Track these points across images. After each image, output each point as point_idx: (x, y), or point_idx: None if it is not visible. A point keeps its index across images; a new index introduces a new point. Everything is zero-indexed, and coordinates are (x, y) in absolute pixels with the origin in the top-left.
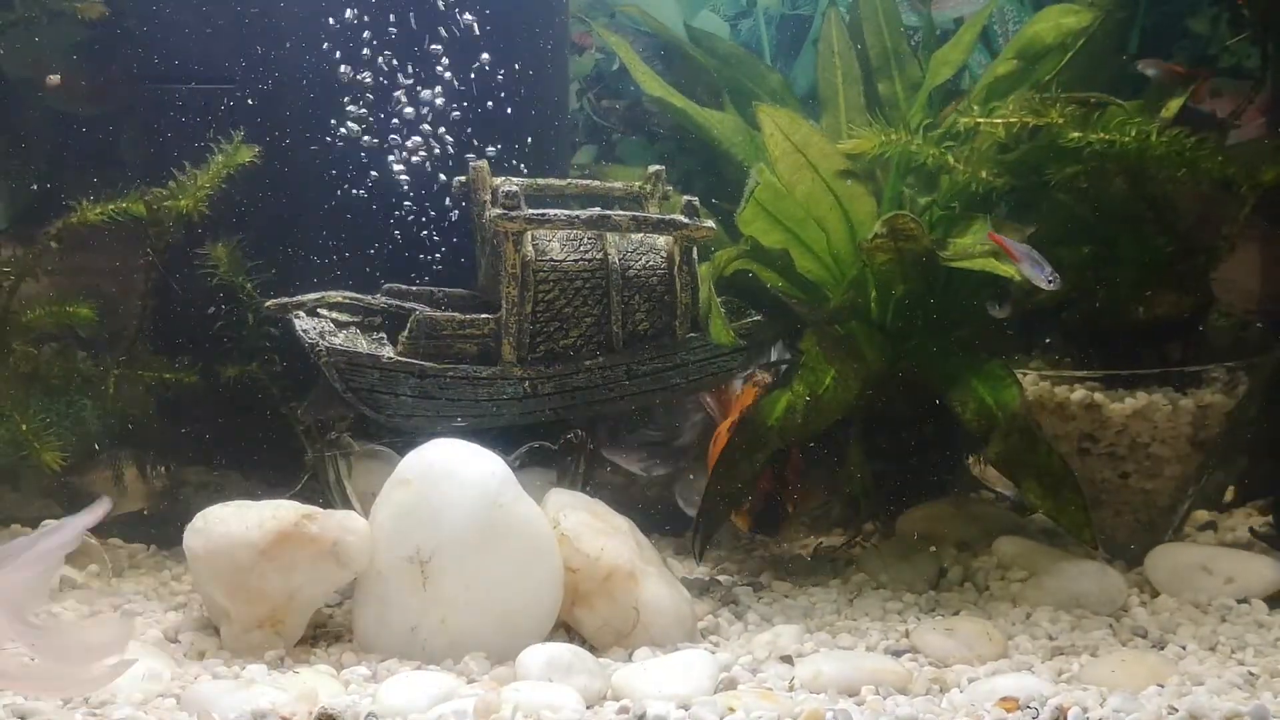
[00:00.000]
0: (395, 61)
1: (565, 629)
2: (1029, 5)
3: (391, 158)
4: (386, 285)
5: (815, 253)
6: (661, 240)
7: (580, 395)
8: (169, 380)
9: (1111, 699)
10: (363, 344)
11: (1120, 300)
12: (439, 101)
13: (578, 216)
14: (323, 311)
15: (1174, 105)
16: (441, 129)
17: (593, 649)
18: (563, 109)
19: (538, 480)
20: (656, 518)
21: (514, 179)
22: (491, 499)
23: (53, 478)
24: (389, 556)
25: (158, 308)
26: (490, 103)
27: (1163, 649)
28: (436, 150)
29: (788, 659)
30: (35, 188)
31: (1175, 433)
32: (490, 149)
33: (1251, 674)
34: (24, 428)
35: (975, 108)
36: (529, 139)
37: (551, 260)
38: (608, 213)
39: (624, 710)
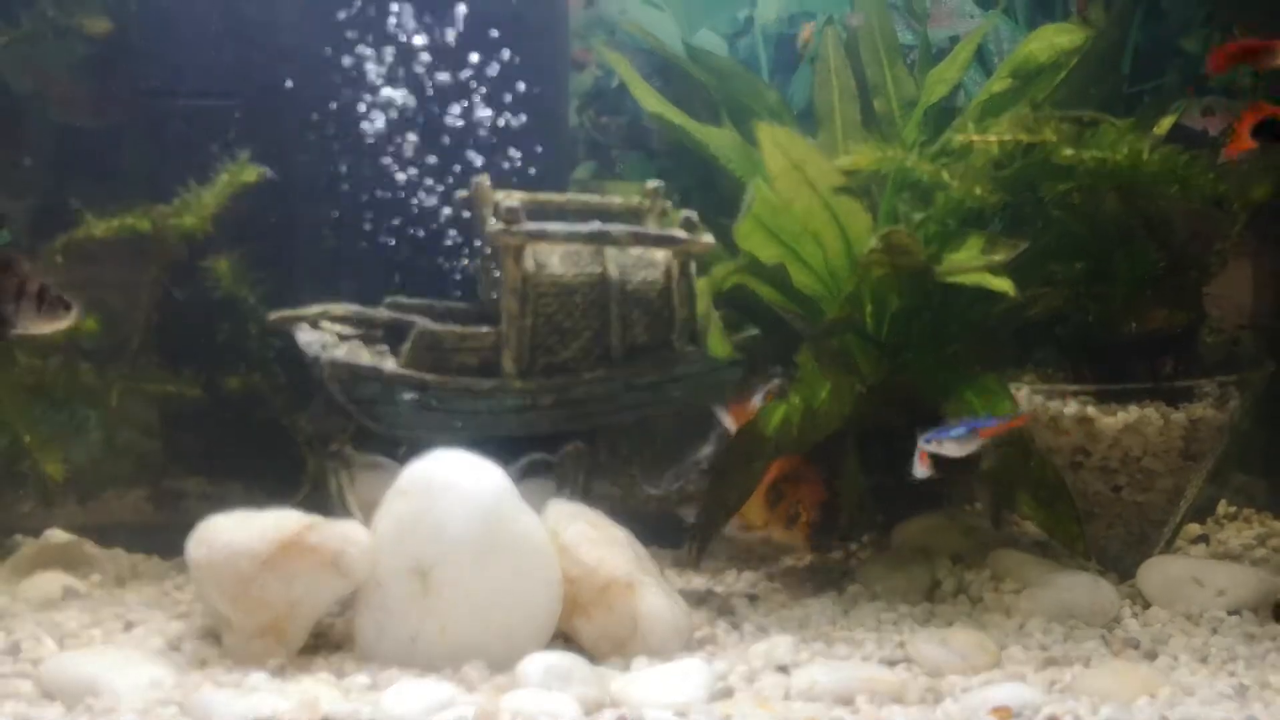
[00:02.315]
0: (397, 76)
1: (564, 638)
2: (1023, 24)
3: (393, 170)
4: (388, 299)
5: (812, 267)
6: (660, 255)
7: (579, 407)
8: (172, 392)
9: (1104, 709)
10: (364, 356)
11: (1113, 315)
12: (442, 116)
13: (577, 231)
14: (325, 324)
15: (1166, 123)
16: (443, 143)
17: (591, 658)
18: (563, 125)
19: (537, 491)
20: (655, 529)
21: (515, 194)
22: (491, 510)
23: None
24: (390, 566)
25: (161, 320)
26: (492, 118)
27: (1154, 660)
28: (438, 164)
29: (783, 668)
30: (42, 201)
31: (1167, 446)
32: (491, 163)
33: (1242, 685)
34: (27, 439)
35: (970, 125)
36: (530, 154)
37: (551, 274)
38: (607, 227)
39: (621, 718)
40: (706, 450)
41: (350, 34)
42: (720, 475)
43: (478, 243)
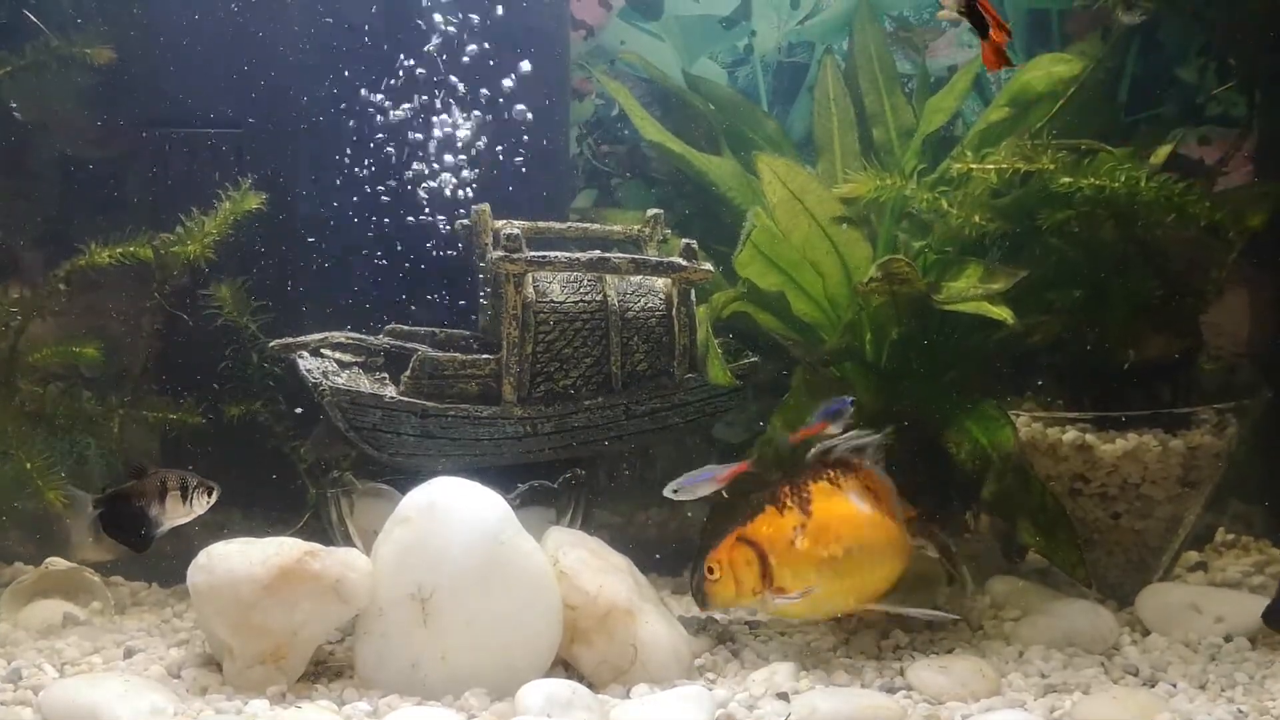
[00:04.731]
0: (399, 105)
1: (564, 665)
2: (1021, 53)
3: (394, 198)
4: (389, 326)
5: (811, 295)
6: (660, 282)
7: (579, 434)
8: (173, 420)
9: None
10: (365, 384)
11: (1111, 343)
12: (442, 145)
13: (578, 259)
14: (326, 352)
15: (1163, 152)
16: (444, 172)
17: (591, 685)
18: (563, 153)
19: (537, 518)
20: (654, 556)
21: (515, 222)
22: (491, 537)
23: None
24: (390, 593)
25: (163, 348)
26: (492, 147)
27: (1153, 687)
28: (440, 193)
29: (784, 696)
30: (45, 229)
31: (1165, 474)
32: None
33: (1240, 711)
34: (28, 466)
35: (969, 153)
36: (530, 182)
37: (552, 302)
38: (607, 255)
39: None
40: None
41: (353, 64)
42: (720, 509)
43: (478, 271)
